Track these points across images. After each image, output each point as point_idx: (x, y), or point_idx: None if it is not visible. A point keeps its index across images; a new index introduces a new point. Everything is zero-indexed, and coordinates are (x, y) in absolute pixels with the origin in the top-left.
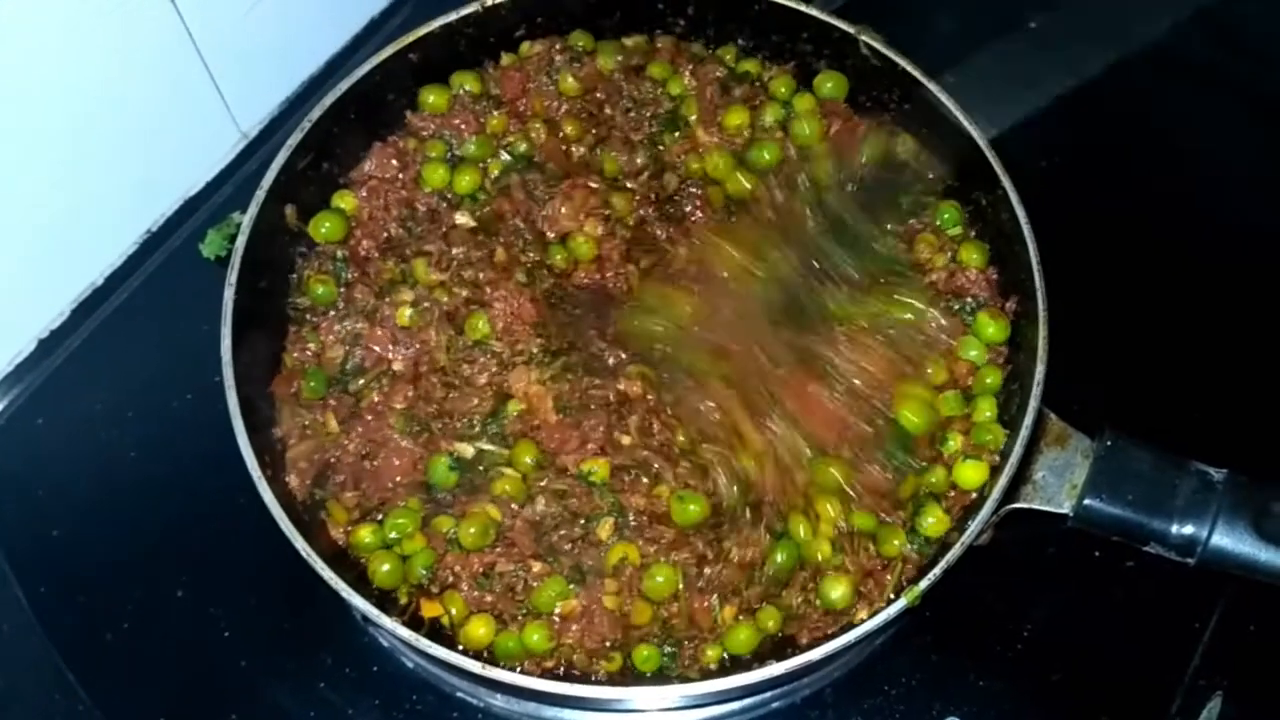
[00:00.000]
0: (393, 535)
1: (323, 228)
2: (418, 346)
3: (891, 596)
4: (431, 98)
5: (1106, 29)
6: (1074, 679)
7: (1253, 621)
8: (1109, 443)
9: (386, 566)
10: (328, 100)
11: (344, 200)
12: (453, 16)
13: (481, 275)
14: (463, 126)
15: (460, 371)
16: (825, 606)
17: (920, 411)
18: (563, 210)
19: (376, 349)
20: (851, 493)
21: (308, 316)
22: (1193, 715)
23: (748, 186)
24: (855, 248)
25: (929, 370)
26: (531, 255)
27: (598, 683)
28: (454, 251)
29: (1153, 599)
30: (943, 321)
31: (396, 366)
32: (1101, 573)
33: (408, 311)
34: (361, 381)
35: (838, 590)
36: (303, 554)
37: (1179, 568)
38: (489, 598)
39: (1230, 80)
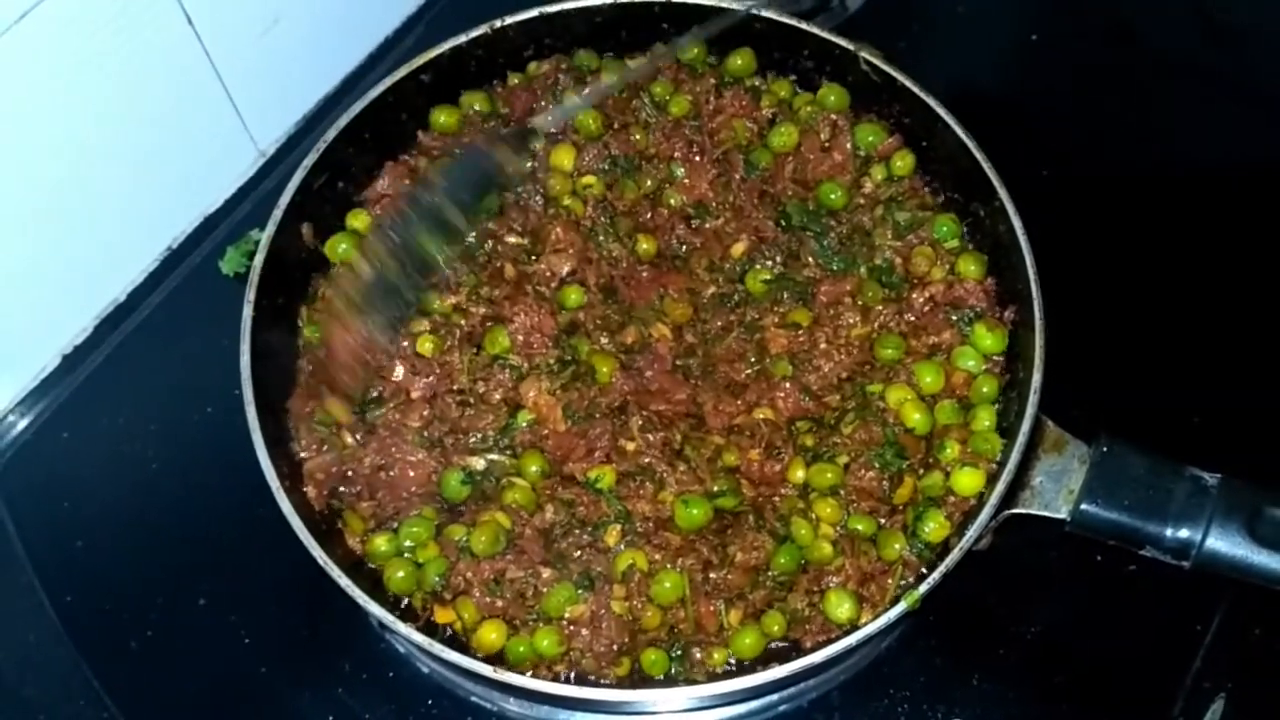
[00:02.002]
0: (407, 543)
1: (339, 248)
2: (438, 371)
3: (893, 600)
4: (442, 117)
5: (1104, 42)
6: (1077, 682)
7: (1254, 624)
8: (1105, 448)
9: (401, 574)
10: (343, 120)
11: (357, 219)
12: (463, 38)
13: (496, 292)
14: None
15: (475, 389)
16: (833, 623)
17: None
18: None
19: (395, 379)
20: (844, 494)
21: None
22: (1195, 717)
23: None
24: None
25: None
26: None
27: (607, 685)
28: (460, 276)
29: (1154, 602)
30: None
31: (414, 394)
32: (1103, 576)
33: (429, 343)
34: (379, 411)
35: (844, 608)
36: (320, 562)
37: (1180, 571)
38: (500, 603)
39: (1231, 87)
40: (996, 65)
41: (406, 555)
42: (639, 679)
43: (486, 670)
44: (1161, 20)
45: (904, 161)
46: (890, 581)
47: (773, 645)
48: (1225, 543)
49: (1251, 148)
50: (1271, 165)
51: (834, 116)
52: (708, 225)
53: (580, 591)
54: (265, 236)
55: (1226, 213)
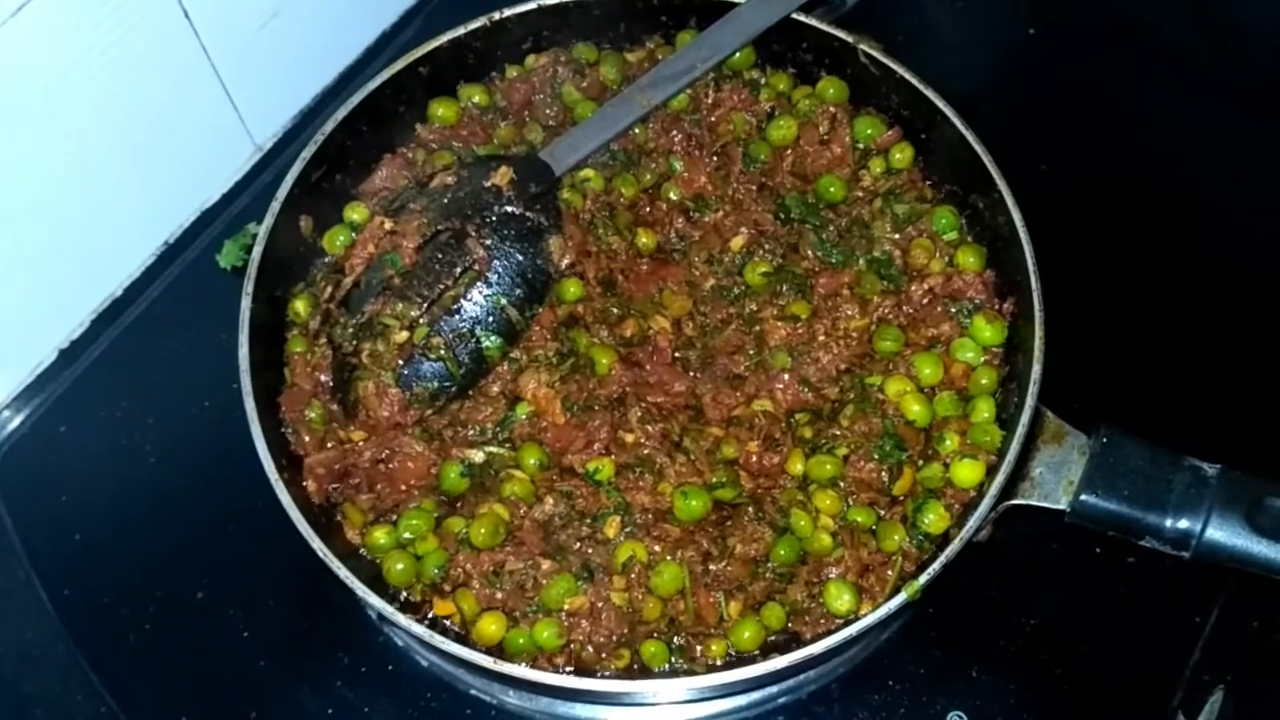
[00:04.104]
0: (407, 536)
1: (337, 240)
2: None
3: (892, 591)
4: (441, 110)
5: (1103, 35)
6: (1076, 673)
7: (1254, 615)
8: (1104, 440)
9: (401, 566)
10: (340, 113)
11: (356, 212)
12: (461, 30)
13: None
14: (470, 138)
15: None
16: (833, 614)
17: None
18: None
19: None
20: (844, 486)
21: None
22: (1194, 709)
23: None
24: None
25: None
26: None
27: (606, 676)
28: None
29: (1154, 593)
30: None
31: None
32: (1103, 568)
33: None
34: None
35: (843, 600)
36: (320, 555)
37: (1179, 562)
38: (499, 595)
39: (1228, 83)
40: (995, 58)
41: (406, 547)
42: (639, 670)
43: (487, 661)
44: (1159, 15)
45: (903, 154)
46: (890, 573)
47: (772, 637)
48: (1225, 533)
49: (1248, 140)
50: (1268, 157)
51: (833, 109)
52: (706, 218)
53: (580, 583)
54: (263, 229)
55: (1223, 204)
